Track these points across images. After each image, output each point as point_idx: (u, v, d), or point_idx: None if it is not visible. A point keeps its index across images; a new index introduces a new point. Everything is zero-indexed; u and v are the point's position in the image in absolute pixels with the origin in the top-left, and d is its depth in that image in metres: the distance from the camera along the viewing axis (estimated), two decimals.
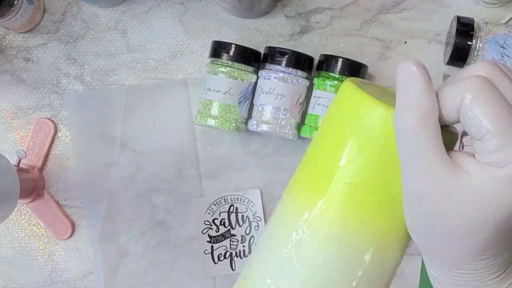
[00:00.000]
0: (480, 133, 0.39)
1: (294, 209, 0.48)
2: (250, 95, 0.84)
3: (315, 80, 0.83)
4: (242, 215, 0.86)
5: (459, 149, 0.83)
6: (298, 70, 0.82)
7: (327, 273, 0.46)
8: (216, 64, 0.82)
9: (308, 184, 0.49)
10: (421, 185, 0.40)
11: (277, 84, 0.82)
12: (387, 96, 0.49)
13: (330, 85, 0.81)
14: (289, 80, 0.82)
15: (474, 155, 0.40)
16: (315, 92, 0.83)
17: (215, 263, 0.86)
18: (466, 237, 0.41)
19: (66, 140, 0.88)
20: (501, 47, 0.81)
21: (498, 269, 0.43)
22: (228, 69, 0.82)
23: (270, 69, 0.82)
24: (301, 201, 0.48)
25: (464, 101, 0.40)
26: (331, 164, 0.47)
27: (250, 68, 0.83)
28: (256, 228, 0.86)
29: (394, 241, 0.46)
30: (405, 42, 0.87)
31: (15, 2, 0.83)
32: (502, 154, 0.38)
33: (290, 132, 0.83)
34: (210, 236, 0.86)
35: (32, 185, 0.86)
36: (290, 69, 0.82)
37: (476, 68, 0.41)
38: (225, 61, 0.82)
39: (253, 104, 0.84)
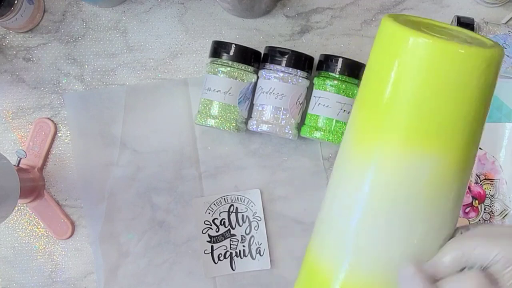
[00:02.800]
0: None
1: (360, 150, 0.51)
2: (250, 95, 0.84)
3: (315, 80, 0.83)
4: (242, 215, 0.86)
5: None
6: (298, 70, 0.82)
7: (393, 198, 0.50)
8: (216, 64, 0.82)
9: (367, 121, 0.51)
10: None
11: (277, 84, 0.82)
12: (423, 26, 0.52)
13: (330, 85, 0.81)
14: (289, 80, 0.82)
15: None
16: (315, 92, 0.83)
17: (215, 263, 0.86)
18: None
19: (66, 140, 0.88)
20: None
21: None
22: (228, 69, 0.82)
23: (270, 69, 0.82)
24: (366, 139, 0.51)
25: None
26: (381, 96, 0.50)
27: (250, 68, 0.83)
28: (256, 228, 0.86)
29: (453, 160, 0.49)
30: None
31: (15, 2, 0.83)
32: None
33: (290, 132, 0.83)
34: (210, 236, 0.86)
35: (32, 185, 0.86)
36: (290, 69, 0.82)
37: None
38: (225, 61, 0.82)
39: (253, 104, 0.84)
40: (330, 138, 0.82)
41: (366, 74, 0.53)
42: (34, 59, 0.89)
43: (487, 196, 0.84)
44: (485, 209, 0.84)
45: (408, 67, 0.49)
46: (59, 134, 0.89)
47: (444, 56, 0.48)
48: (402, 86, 0.49)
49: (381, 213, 0.50)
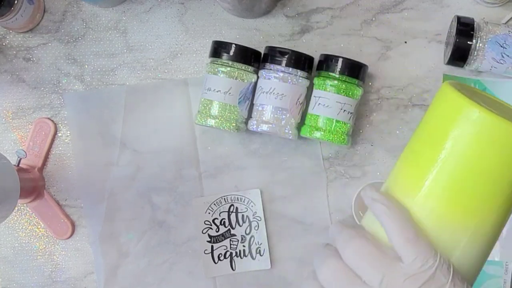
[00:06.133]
0: None
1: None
2: (250, 95, 0.84)
3: (315, 80, 0.83)
4: (242, 215, 0.86)
5: None
6: (298, 70, 0.82)
7: None
8: (216, 64, 0.82)
9: (408, 180, 0.54)
10: None
11: (277, 84, 0.82)
12: (483, 98, 0.54)
13: (330, 85, 0.81)
14: (289, 80, 0.82)
15: None
16: (315, 92, 0.83)
17: (215, 263, 0.86)
18: None
19: (66, 140, 0.88)
20: (501, 46, 0.81)
21: None
22: (228, 69, 0.82)
23: (270, 69, 0.82)
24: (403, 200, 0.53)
25: None
26: (428, 163, 0.52)
27: (250, 68, 0.83)
28: (256, 228, 0.86)
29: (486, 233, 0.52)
30: (405, 42, 0.87)
31: (15, 2, 0.83)
32: None
33: (290, 132, 0.83)
34: (210, 236, 0.86)
35: (32, 185, 0.86)
36: (290, 69, 0.82)
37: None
38: (225, 61, 0.82)
39: (253, 104, 0.84)
40: (330, 138, 0.82)
41: (421, 129, 0.55)
42: (34, 59, 0.89)
43: None
44: None
45: (464, 138, 0.50)
46: (59, 134, 0.89)
47: (499, 132, 0.50)
48: (453, 154, 0.51)
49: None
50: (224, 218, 0.86)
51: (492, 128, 0.50)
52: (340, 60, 0.82)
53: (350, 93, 0.81)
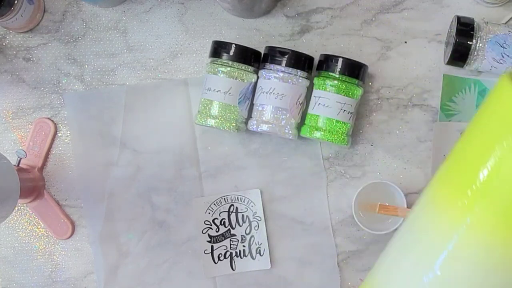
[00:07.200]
0: None
1: (443, 216, 0.47)
2: (250, 95, 0.84)
3: (315, 80, 0.83)
4: (242, 215, 0.86)
5: None
6: (298, 70, 0.82)
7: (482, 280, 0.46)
8: (216, 64, 0.82)
9: (456, 187, 0.47)
10: None
11: (277, 84, 0.82)
12: None
13: (330, 85, 0.81)
14: (289, 80, 0.82)
15: None
16: (315, 92, 0.83)
17: (215, 263, 0.86)
18: None
19: (66, 140, 0.88)
20: (501, 46, 0.81)
21: None
22: (228, 69, 0.82)
23: (270, 69, 0.82)
24: (450, 208, 0.46)
25: None
26: (479, 168, 0.44)
27: (250, 68, 0.83)
28: (256, 228, 0.86)
29: None
30: (405, 42, 0.87)
31: (15, 2, 0.83)
32: None
33: (290, 132, 0.83)
34: (210, 236, 0.86)
35: (32, 185, 0.86)
36: (290, 69, 0.82)
37: None
38: (225, 61, 0.82)
39: (253, 104, 0.84)
40: (330, 138, 0.82)
41: (472, 131, 0.47)
42: (34, 59, 0.89)
43: None
44: None
45: None
46: (59, 134, 0.89)
47: None
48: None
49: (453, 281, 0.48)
50: (224, 218, 0.86)
51: None
52: (340, 60, 0.82)
53: (350, 93, 0.81)
